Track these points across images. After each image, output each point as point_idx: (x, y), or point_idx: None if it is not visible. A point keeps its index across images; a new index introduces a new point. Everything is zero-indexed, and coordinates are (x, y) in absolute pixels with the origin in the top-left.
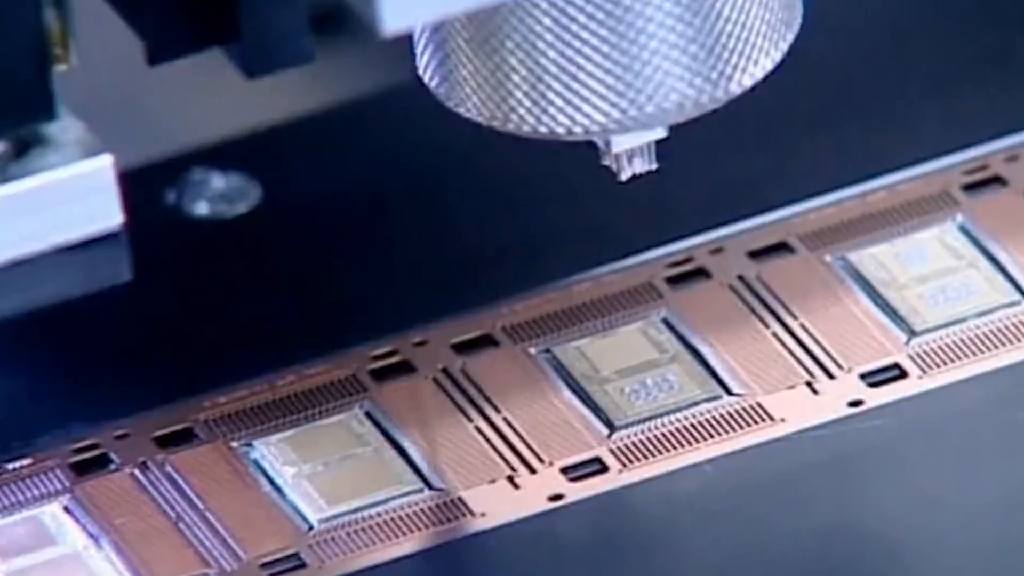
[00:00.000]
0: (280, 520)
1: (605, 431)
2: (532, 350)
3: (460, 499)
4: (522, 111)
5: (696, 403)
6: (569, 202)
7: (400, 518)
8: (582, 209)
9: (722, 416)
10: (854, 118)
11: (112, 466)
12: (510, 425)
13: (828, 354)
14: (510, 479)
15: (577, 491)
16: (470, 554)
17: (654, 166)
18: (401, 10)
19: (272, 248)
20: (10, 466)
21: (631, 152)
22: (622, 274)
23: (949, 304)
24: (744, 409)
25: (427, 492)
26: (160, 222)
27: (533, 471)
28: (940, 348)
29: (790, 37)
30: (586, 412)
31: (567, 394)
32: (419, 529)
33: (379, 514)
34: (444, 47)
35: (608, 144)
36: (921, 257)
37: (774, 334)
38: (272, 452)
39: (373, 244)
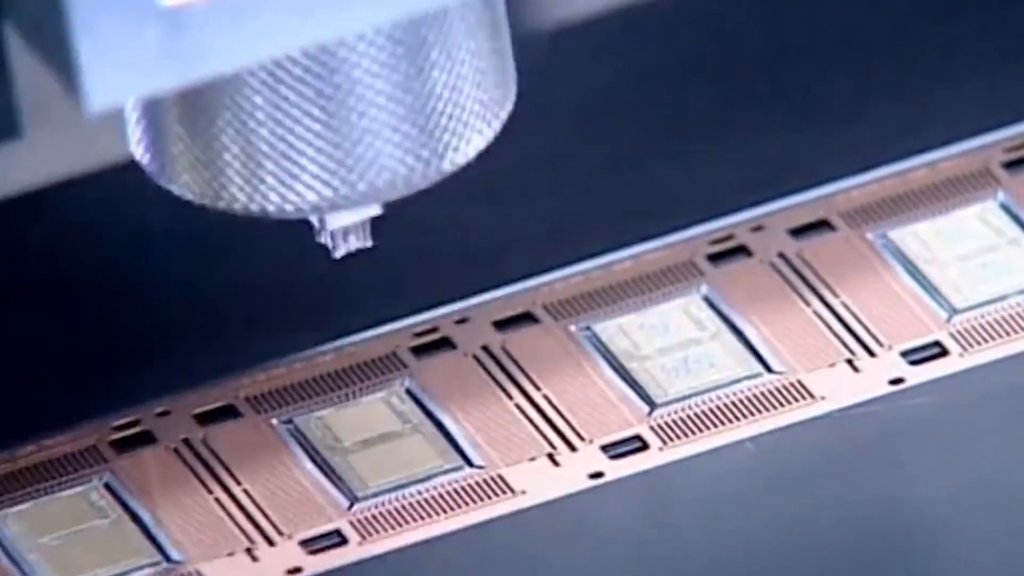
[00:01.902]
0: (317, 496)
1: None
2: (572, 327)
3: (500, 476)
4: (233, 188)
5: (737, 381)
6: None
7: (440, 495)
8: (623, 187)
9: (762, 394)
10: (893, 96)
11: (154, 443)
12: (550, 402)
13: (869, 331)
14: (550, 456)
15: (618, 469)
16: (511, 532)
17: (369, 243)
18: (108, 87)
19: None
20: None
21: (346, 229)
22: (664, 251)
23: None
24: (784, 387)
25: (467, 469)
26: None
27: (574, 449)
28: (981, 326)
29: (503, 115)
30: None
31: (608, 371)
32: (460, 507)
33: (420, 492)
34: (155, 124)
35: (323, 221)
36: (962, 235)
37: (815, 312)
38: (312, 429)
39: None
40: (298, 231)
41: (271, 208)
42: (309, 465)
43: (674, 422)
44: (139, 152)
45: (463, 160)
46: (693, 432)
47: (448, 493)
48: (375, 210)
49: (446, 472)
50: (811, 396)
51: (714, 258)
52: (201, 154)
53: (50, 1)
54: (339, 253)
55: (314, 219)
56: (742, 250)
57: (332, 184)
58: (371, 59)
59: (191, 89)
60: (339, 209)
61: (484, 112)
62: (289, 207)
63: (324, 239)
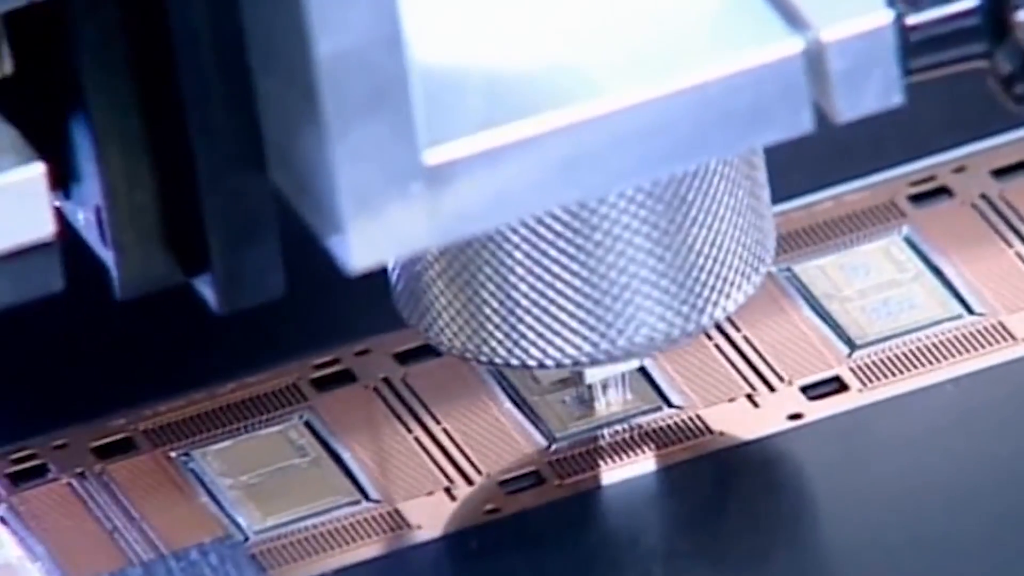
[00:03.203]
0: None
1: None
2: (773, 268)
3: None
4: (494, 343)
5: (937, 323)
6: None
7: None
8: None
9: (963, 336)
10: None
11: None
12: (750, 343)
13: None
14: (749, 397)
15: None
16: (406, 567)
17: (629, 396)
18: (370, 247)
19: None
20: None
21: (605, 382)
22: (865, 192)
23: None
24: (985, 328)
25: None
26: None
27: (773, 390)
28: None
29: (763, 269)
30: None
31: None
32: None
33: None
34: (417, 279)
35: (581, 376)
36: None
37: (1016, 253)
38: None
39: (314, 253)
40: None
41: (531, 363)
42: (507, 404)
43: (874, 363)
44: (400, 306)
45: (723, 315)
46: (893, 374)
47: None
48: (633, 364)
49: (643, 413)
50: (1012, 338)
51: (916, 199)
52: (462, 308)
53: (315, 159)
54: (599, 406)
55: (572, 373)
56: (944, 191)
57: (592, 340)
58: (631, 216)
59: (453, 245)
60: (597, 364)
61: (744, 267)
62: (549, 362)
63: (581, 392)
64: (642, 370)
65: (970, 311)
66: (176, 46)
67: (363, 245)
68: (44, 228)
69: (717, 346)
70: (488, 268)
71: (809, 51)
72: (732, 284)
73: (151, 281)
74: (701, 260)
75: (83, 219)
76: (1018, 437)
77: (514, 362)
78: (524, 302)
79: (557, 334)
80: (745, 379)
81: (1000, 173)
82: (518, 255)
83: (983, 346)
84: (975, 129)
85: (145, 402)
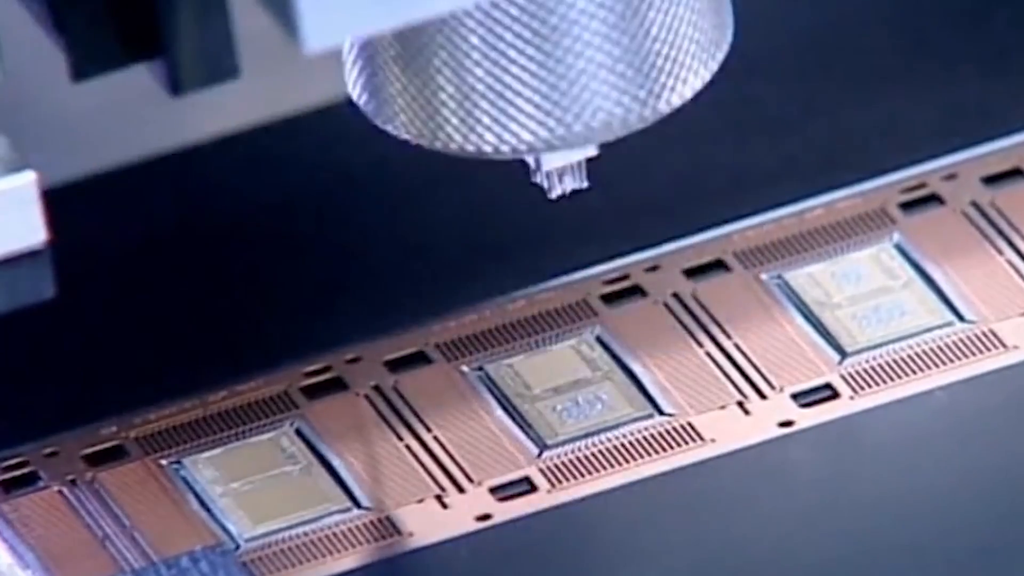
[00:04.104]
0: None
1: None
2: (763, 276)
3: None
4: (450, 128)
5: (928, 330)
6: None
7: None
8: (516, 225)
9: (954, 343)
10: (791, 135)
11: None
12: (741, 350)
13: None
14: (740, 405)
15: (808, 418)
16: (398, 574)
17: (584, 184)
18: (325, 28)
19: (202, 265)
20: None
21: (561, 170)
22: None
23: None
24: (976, 336)
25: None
26: (86, 239)
27: (764, 397)
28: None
29: (720, 56)
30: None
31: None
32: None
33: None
34: (372, 64)
35: (538, 162)
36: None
37: (1007, 260)
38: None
39: (305, 261)
40: (501, 178)
41: (487, 148)
42: (500, 412)
43: (865, 371)
44: (356, 93)
45: (679, 101)
46: (884, 381)
47: (636, 441)
48: (591, 151)
49: (635, 420)
50: (1003, 345)
51: (906, 207)
52: (417, 94)
53: None
54: (554, 194)
55: (529, 160)
56: (935, 198)
57: (548, 124)
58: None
59: (408, 30)
60: (555, 150)
61: (701, 53)
62: (505, 147)
63: (539, 180)
64: (633, 377)
65: (961, 318)
66: None
67: (318, 27)
68: (35, 235)
69: (708, 354)
70: (443, 52)
71: None
72: (689, 69)
73: (103, 64)
74: (657, 45)
75: (36, 8)
76: (1009, 444)
77: (469, 148)
78: (479, 87)
79: (513, 119)
80: (736, 387)
81: (991, 180)
82: (473, 39)
83: (974, 353)
84: (966, 137)
85: (136, 410)
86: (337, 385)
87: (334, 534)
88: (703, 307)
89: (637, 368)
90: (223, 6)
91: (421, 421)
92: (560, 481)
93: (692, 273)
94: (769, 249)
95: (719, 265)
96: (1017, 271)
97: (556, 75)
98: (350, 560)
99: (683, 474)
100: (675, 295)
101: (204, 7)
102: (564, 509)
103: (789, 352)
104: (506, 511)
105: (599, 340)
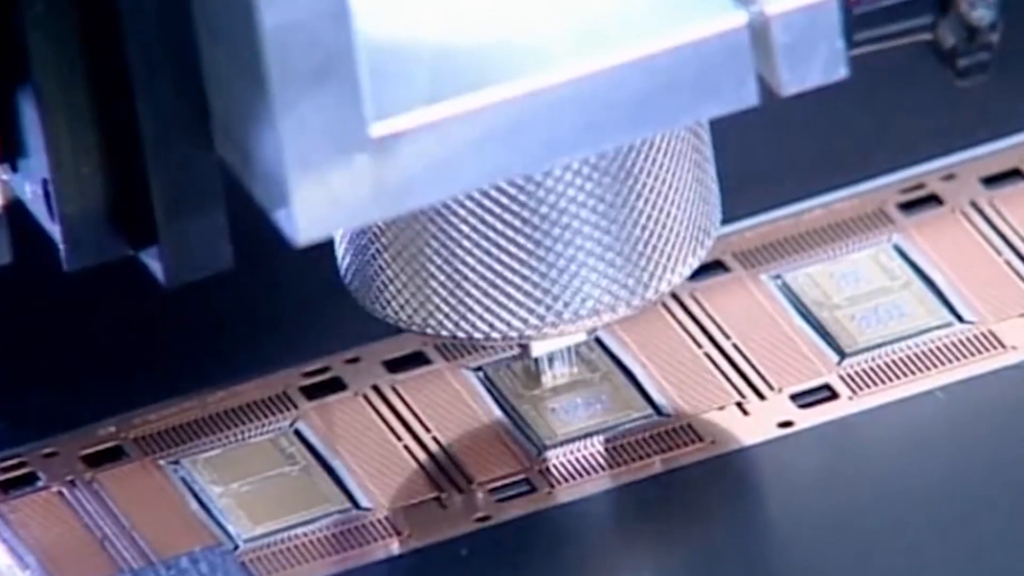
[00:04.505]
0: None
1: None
2: (762, 276)
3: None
4: (441, 316)
5: (927, 330)
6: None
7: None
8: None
9: (953, 344)
10: (790, 135)
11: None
12: (739, 351)
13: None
14: (739, 406)
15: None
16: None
17: (575, 369)
18: (317, 220)
19: None
20: None
21: (551, 355)
22: (854, 200)
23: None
24: (975, 336)
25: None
26: None
27: (763, 398)
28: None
29: (708, 243)
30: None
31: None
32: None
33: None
34: (364, 252)
35: (528, 348)
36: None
37: (1006, 261)
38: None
39: (304, 260)
40: None
41: (478, 335)
42: (499, 413)
43: (864, 371)
44: (347, 279)
45: (668, 288)
46: (883, 381)
47: (634, 442)
48: (580, 337)
49: (633, 421)
50: (1002, 346)
51: (905, 207)
52: (408, 282)
53: (261, 131)
54: (545, 379)
55: (517, 346)
56: (933, 199)
57: (537, 312)
58: (577, 189)
59: (399, 219)
60: (544, 337)
61: (690, 241)
62: (495, 334)
63: (528, 364)
64: (632, 378)
65: (960, 319)
66: (122, 17)
67: (309, 217)
68: None
69: (707, 354)
70: (434, 241)
71: (754, 24)
72: (678, 258)
73: (98, 253)
74: (647, 234)
75: (30, 193)
76: (1008, 445)
77: (460, 335)
78: (470, 275)
79: (503, 307)
80: (735, 387)
81: (990, 181)
82: (464, 228)
83: (973, 354)
84: (965, 137)
85: (135, 410)
86: (336, 385)
87: (333, 535)
88: (701, 307)
89: (635, 368)
90: (219, 200)
91: (420, 421)
92: (559, 482)
93: (690, 274)
94: (768, 249)
95: (717, 265)
96: (1016, 272)
97: (546, 264)
98: (350, 561)
99: (681, 475)
100: (673, 295)
101: (200, 202)
102: (563, 510)
103: (788, 353)
104: (505, 512)
105: (597, 341)
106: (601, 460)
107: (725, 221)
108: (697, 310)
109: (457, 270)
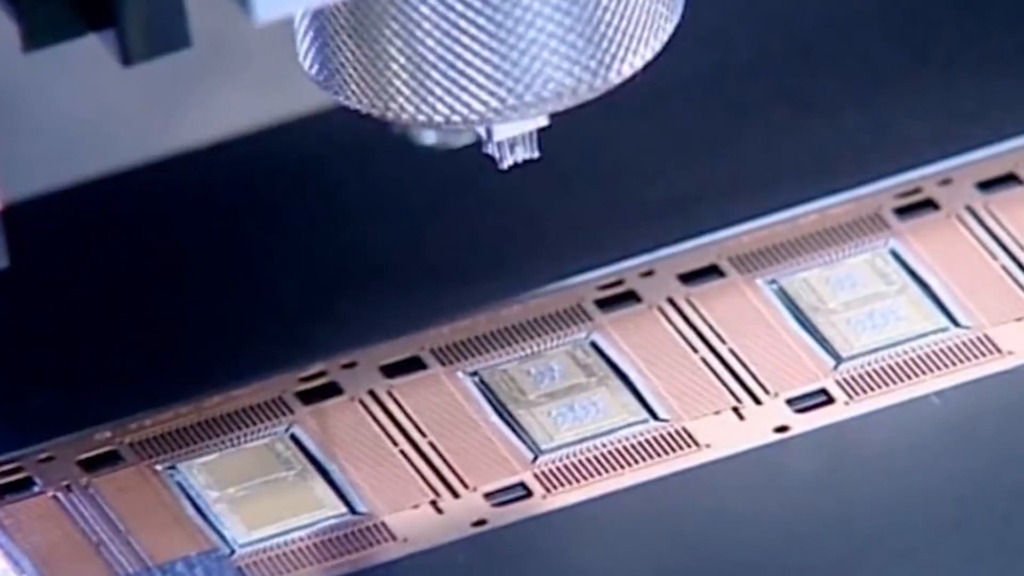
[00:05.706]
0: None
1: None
2: (758, 281)
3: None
4: (401, 99)
5: (923, 335)
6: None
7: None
8: (511, 230)
9: (949, 348)
10: (786, 140)
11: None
12: (736, 355)
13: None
14: (735, 410)
15: (803, 423)
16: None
17: (536, 154)
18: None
19: (197, 269)
20: None
21: (513, 140)
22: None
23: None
24: (971, 341)
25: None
26: (82, 243)
27: (759, 403)
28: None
29: (670, 28)
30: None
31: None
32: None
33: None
34: (323, 34)
35: (490, 132)
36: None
37: (1003, 266)
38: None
39: (300, 266)
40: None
41: (439, 118)
42: (494, 418)
43: (860, 376)
44: (307, 63)
45: (629, 72)
46: (879, 386)
47: (633, 446)
48: (542, 121)
49: (631, 425)
50: (998, 350)
51: (901, 212)
52: (369, 65)
53: None
54: (505, 164)
55: (481, 131)
56: (929, 204)
57: (499, 94)
58: None
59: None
60: (506, 120)
61: (651, 24)
62: (456, 117)
63: (491, 150)
64: (628, 383)
65: (956, 323)
66: None
67: None
68: None
69: (703, 359)
70: (394, 23)
71: None
72: (640, 39)
73: (55, 35)
74: (607, 15)
75: None
76: (1003, 449)
77: (421, 118)
78: (430, 56)
79: (464, 89)
80: (731, 392)
81: (985, 186)
82: (423, 9)
83: (969, 359)
84: (960, 142)
85: (131, 415)
86: (332, 390)
87: (329, 539)
88: (698, 312)
89: (632, 373)
90: None
91: (416, 426)
92: (555, 487)
93: (687, 278)
94: (764, 254)
95: (714, 270)
96: (1012, 276)
97: (507, 44)
98: (345, 566)
99: (678, 479)
100: (670, 300)
101: None
102: (559, 514)
103: (784, 357)
104: (501, 516)
105: (593, 345)
106: (597, 465)
107: (721, 226)
108: (693, 315)
109: (417, 52)
